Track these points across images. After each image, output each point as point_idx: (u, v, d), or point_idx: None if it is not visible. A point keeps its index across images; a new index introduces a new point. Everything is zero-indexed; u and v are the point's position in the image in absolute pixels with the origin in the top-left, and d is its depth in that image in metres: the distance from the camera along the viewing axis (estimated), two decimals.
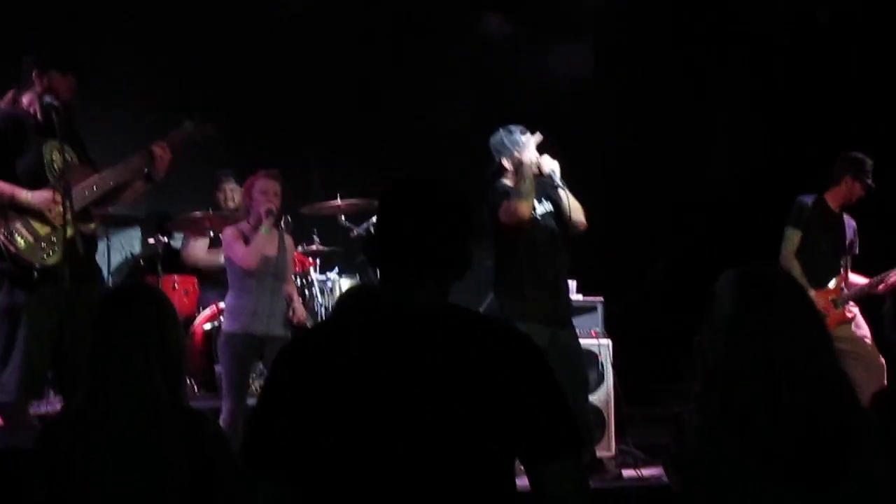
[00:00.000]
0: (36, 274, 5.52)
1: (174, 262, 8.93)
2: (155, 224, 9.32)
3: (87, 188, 5.70)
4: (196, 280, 8.68)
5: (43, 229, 5.55)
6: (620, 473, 7.11)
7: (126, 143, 7.71)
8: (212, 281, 8.59)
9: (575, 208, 6.81)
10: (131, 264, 9.41)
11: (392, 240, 2.76)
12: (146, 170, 5.94)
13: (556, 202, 6.85)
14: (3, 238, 5.52)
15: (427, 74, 10.01)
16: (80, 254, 5.57)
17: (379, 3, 10.06)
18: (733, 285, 3.02)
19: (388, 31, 10.11)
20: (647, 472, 7.29)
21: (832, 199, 8.13)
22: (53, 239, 5.55)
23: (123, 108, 9.04)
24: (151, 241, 8.90)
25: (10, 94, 5.90)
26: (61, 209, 5.43)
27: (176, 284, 8.51)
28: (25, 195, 5.56)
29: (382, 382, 2.61)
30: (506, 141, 6.89)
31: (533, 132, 6.86)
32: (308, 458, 2.61)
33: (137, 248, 9.54)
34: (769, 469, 2.80)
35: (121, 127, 8.74)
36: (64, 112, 5.76)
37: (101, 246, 8.62)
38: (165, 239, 8.91)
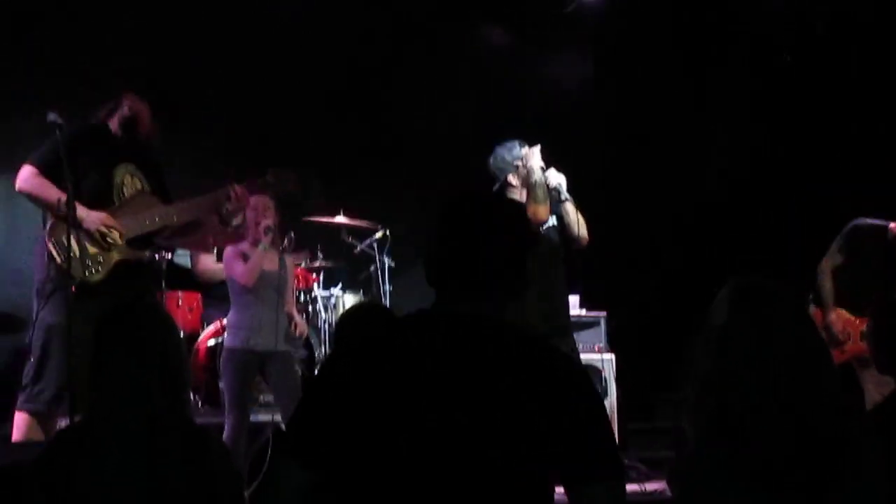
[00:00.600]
0: (74, 288, 5.51)
1: (178, 278, 8.92)
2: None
3: (148, 218, 5.72)
4: (200, 296, 8.70)
5: (92, 248, 5.58)
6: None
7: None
8: (216, 297, 8.60)
9: (580, 223, 6.83)
10: None
11: (452, 257, 2.76)
12: (221, 211, 5.95)
13: (560, 216, 6.84)
14: (51, 246, 5.55)
15: (428, 85, 10.01)
16: (126, 277, 5.63)
17: (379, 15, 10.06)
18: (728, 296, 3.04)
19: (388, 42, 10.11)
20: (650, 486, 7.30)
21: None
22: (101, 259, 5.58)
23: None
24: (155, 256, 8.91)
25: (105, 111, 5.93)
26: (111, 233, 5.55)
27: (180, 301, 8.52)
28: (80, 212, 5.57)
29: (422, 390, 2.62)
30: (507, 157, 6.87)
31: (531, 145, 6.86)
32: (344, 451, 2.62)
33: None
34: (763, 477, 2.81)
35: None
36: (143, 139, 5.80)
37: None
38: (169, 255, 8.92)
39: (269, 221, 6.92)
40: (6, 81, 8.36)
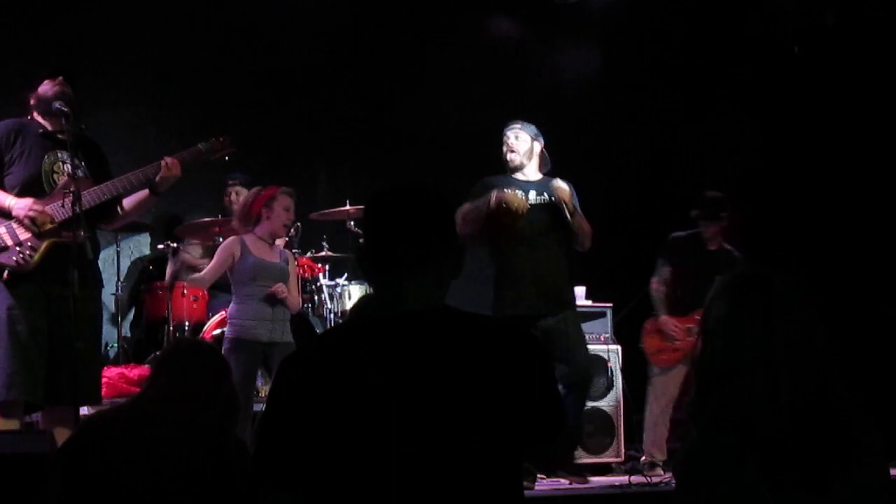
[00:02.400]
0: (6, 275, 5.53)
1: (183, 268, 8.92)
2: (164, 230, 9.35)
3: (78, 199, 5.67)
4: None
5: (24, 234, 5.57)
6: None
7: (129, 148, 7.78)
8: (222, 287, 8.58)
9: (585, 233, 7.10)
10: (140, 270, 9.40)
11: (383, 247, 2.80)
12: (156, 181, 5.90)
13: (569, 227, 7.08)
14: None
15: (435, 76, 10.00)
16: (63, 261, 5.56)
17: (387, 7, 10.05)
18: (728, 289, 3.02)
19: (396, 33, 10.10)
20: (655, 477, 7.30)
21: (708, 233, 8.30)
22: (30, 244, 5.57)
23: (127, 114, 9.10)
24: (161, 246, 8.91)
25: (28, 104, 5.92)
26: (40, 218, 5.54)
27: (185, 291, 8.50)
28: (8, 202, 5.59)
29: (384, 387, 2.63)
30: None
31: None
32: (318, 465, 2.63)
33: (147, 254, 9.52)
34: (767, 471, 2.80)
35: (124, 132, 8.77)
36: (71, 124, 5.77)
37: (111, 252, 8.73)
38: (175, 245, 8.91)
39: (290, 221, 7.30)
40: None
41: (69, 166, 5.72)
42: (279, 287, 7.04)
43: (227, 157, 6.35)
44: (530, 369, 2.74)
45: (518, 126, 7.33)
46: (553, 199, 7.02)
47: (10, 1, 8.63)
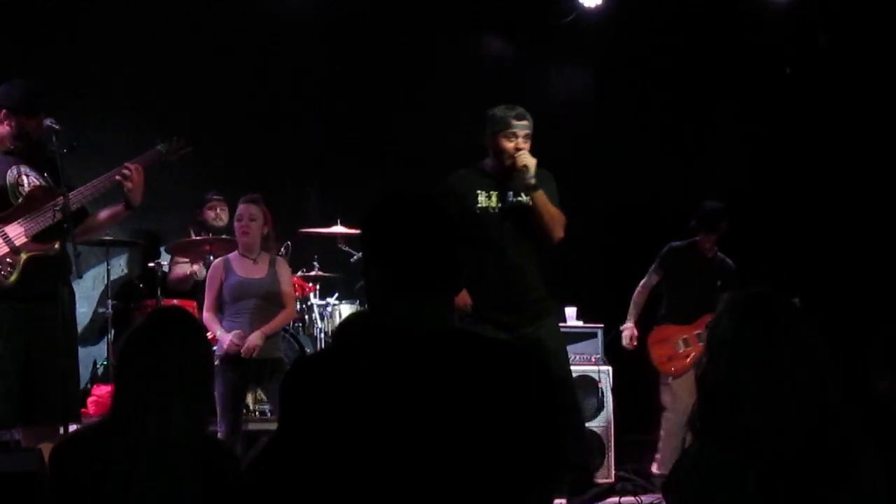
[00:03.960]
0: None
1: (167, 287, 8.91)
2: (156, 248, 9.34)
3: (48, 210, 5.61)
4: (195, 304, 8.66)
5: (0, 250, 5.53)
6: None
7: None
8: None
9: (553, 218, 6.41)
10: (130, 287, 9.37)
11: (385, 258, 2.73)
12: (124, 193, 5.83)
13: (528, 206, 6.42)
14: None
15: (427, 96, 10.01)
16: (40, 275, 5.56)
17: (379, 26, 10.05)
18: (733, 308, 3.02)
19: (388, 52, 10.09)
20: (646, 498, 7.28)
21: (701, 244, 8.38)
22: (9, 260, 5.53)
23: (118, 130, 8.97)
24: (151, 264, 8.90)
25: None
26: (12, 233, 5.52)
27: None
28: None
29: (393, 410, 2.59)
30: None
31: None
32: (324, 487, 2.60)
33: (137, 272, 9.50)
34: (767, 488, 2.79)
35: (112, 151, 8.76)
36: (33, 144, 5.75)
37: (101, 269, 8.71)
38: (165, 264, 8.91)
39: (248, 231, 7.11)
40: None
41: (33, 178, 5.71)
42: (248, 345, 6.93)
43: (182, 158, 6.20)
44: (535, 398, 2.69)
45: (527, 121, 6.44)
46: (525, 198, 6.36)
47: None
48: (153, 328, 3.70)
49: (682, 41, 10.12)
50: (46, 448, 4.99)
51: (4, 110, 5.75)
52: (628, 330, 8.34)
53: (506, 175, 6.40)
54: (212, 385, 3.80)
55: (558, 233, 6.40)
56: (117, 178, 5.76)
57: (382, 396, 2.60)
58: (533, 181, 6.27)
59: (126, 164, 5.82)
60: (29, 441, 5.59)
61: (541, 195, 6.30)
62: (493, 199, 6.39)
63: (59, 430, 5.50)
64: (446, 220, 2.77)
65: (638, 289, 8.40)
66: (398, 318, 2.73)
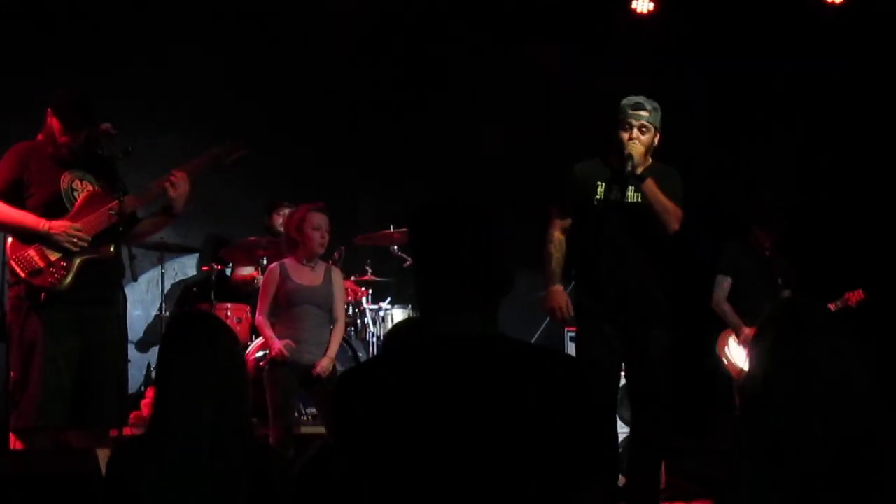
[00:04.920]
0: (43, 297, 5.55)
1: (228, 290, 8.97)
2: (211, 252, 9.41)
3: (104, 214, 5.68)
4: (249, 308, 8.72)
5: (54, 255, 5.60)
6: None
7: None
8: None
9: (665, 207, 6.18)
10: (184, 292, 9.45)
11: (435, 265, 2.73)
12: (167, 200, 5.86)
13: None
14: (14, 263, 5.58)
15: (479, 98, 10.01)
16: (94, 278, 5.64)
17: (422, 35, 10.06)
18: (774, 318, 3.02)
19: (432, 59, 10.11)
20: None
21: (756, 241, 8.34)
22: (63, 263, 5.59)
23: (174, 135, 9.04)
24: (205, 268, 8.97)
25: (45, 126, 5.92)
26: (79, 234, 5.57)
27: (229, 312, 8.54)
28: (44, 224, 5.59)
29: (440, 418, 2.59)
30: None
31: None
32: (375, 496, 2.61)
33: (191, 276, 9.58)
34: (804, 497, 2.79)
35: (168, 156, 8.83)
36: (84, 143, 5.80)
37: (155, 273, 8.80)
38: (219, 267, 8.98)
39: (324, 240, 7.09)
40: None
41: (88, 183, 5.78)
42: (324, 367, 6.98)
43: (237, 160, 6.17)
44: (584, 401, 2.67)
45: (645, 111, 6.18)
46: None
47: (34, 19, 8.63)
48: (177, 334, 3.74)
49: (737, 37, 9.98)
50: (100, 452, 5.08)
51: (50, 109, 5.81)
52: (745, 332, 7.97)
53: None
54: (246, 387, 3.79)
55: (672, 225, 6.17)
56: (164, 184, 5.81)
57: (429, 405, 2.60)
58: (637, 171, 6.09)
59: (173, 171, 5.86)
60: (79, 442, 5.66)
61: (649, 185, 6.11)
62: (613, 191, 6.21)
63: (108, 433, 5.58)
64: (493, 228, 2.76)
65: (717, 302, 8.22)
66: (445, 326, 2.73)
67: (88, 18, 8.77)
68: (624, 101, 6.21)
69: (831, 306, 8.18)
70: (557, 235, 6.32)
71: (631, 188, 6.17)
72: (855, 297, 8.37)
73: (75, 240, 5.60)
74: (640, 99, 6.21)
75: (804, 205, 9.46)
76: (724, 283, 8.24)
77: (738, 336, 8.10)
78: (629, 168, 6.08)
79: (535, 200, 6.65)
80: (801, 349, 2.91)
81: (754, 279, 8.17)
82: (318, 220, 7.13)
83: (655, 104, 6.23)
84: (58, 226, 5.61)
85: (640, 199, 6.16)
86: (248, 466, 3.55)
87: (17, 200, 5.68)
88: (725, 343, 8.21)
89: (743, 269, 8.24)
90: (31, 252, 5.58)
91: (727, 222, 8.86)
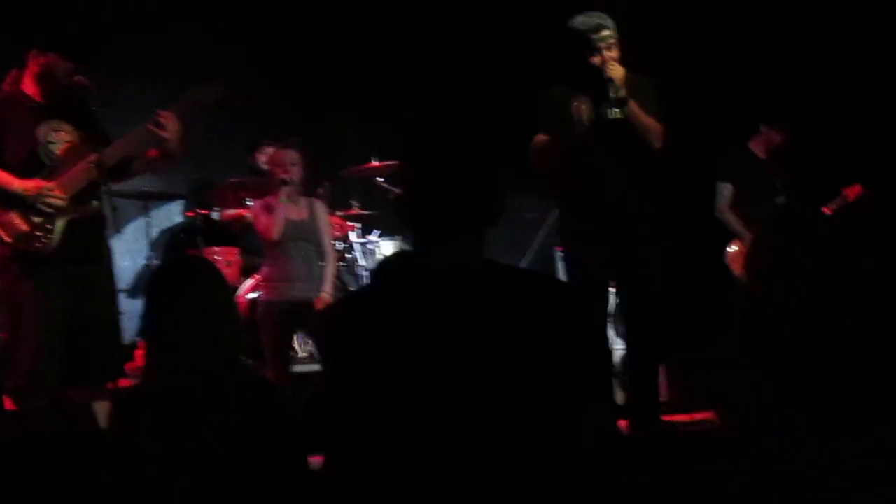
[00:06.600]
0: (31, 261, 5.46)
1: (215, 233, 8.92)
2: (195, 197, 9.37)
3: (84, 169, 5.57)
4: (238, 251, 8.69)
5: (38, 217, 5.51)
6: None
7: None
8: (255, 251, 8.58)
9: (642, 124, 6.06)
10: (171, 238, 9.42)
11: (421, 196, 2.72)
12: (159, 142, 5.70)
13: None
14: None
15: (466, 33, 9.88)
16: (80, 236, 5.56)
17: None
18: (774, 226, 2.97)
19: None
20: (699, 416, 7.26)
21: (757, 147, 8.36)
22: (48, 225, 5.50)
23: (153, 82, 8.89)
24: (190, 213, 8.92)
25: (11, 75, 5.81)
26: (52, 196, 5.47)
27: (217, 256, 8.50)
28: (17, 185, 5.48)
29: (428, 349, 2.58)
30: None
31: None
32: (371, 430, 2.60)
33: (177, 223, 9.53)
34: (823, 408, 2.75)
35: (149, 104, 8.71)
36: (64, 89, 5.68)
37: (141, 222, 8.75)
38: (205, 211, 8.93)
39: (286, 174, 6.89)
40: None
41: (65, 133, 5.67)
42: (320, 304, 6.87)
43: (219, 101, 6.01)
44: (576, 327, 2.65)
45: (608, 29, 6.01)
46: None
47: None
48: (162, 282, 3.72)
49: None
50: (99, 406, 5.06)
51: (35, 50, 5.67)
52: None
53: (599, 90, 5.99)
54: (238, 328, 3.78)
55: (655, 143, 6.08)
56: (150, 127, 5.64)
57: (415, 337, 2.59)
58: (621, 93, 5.94)
59: (159, 111, 5.68)
60: (81, 400, 5.63)
61: (632, 107, 5.98)
62: (589, 114, 6.05)
63: (107, 387, 5.55)
64: (482, 156, 2.74)
65: (723, 210, 8.21)
66: (433, 257, 2.72)
67: None
68: (580, 25, 6.03)
69: (831, 206, 8.20)
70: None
71: (606, 108, 6.05)
72: (853, 192, 8.34)
73: (49, 200, 5.49)
74: (597, 18, 6.04)
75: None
76: (725, 190, 8.23)
77: (744, 244, 8.01)
78: (613, 94, 5.93)
79: (524, 126, 6.56)
80: (808, 254, 2.86)
81: (756, 185, 8.15)
82: (278, 155, 7.06)
83: (606, 15, 6.06)
84: (31, 186, 5.50)
85: (620, 115, 6.01)
86: (251, 406, 3.53)
87: None
88: (738, 252, 8.18)
89: (744, 175, 8.23)
90: (13, 216, 5.48)
91: (726, 127, 8.74)
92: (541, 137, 6.13)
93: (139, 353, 7.78)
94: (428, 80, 9.89)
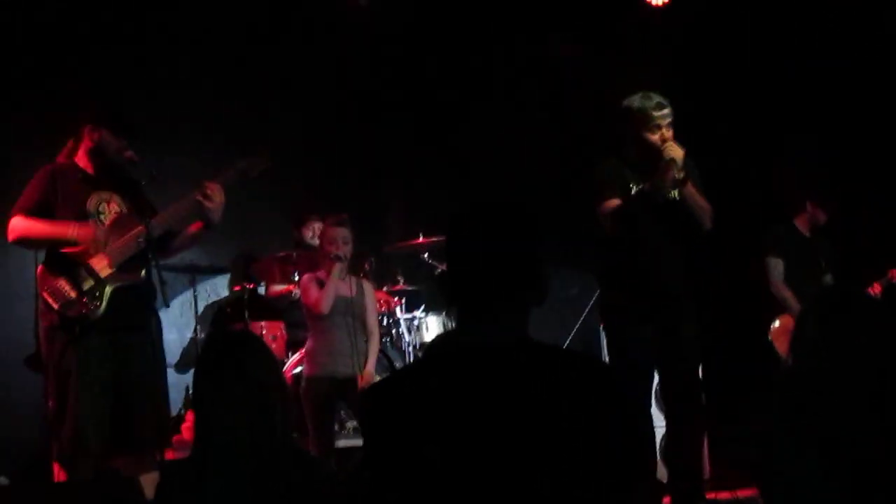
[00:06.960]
0: (77, 328, 5.55)
1: (260, 308, 8.97)
2: (241, 270, 9.42)
3: (131, 239, 5.68)
4: (283, 325, 8.74)
5: (87, 283, 5.59)
6: None
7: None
8: (300, 326, 8.60)
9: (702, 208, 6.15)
10: (217, 312, 9.46)
11: (465, 271, 2.72)
12: (204, 213, 5.79)
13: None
14: (47, 295, 5.59)
15: (504, 101, 9.99)
16: (127, 304, 5.64)
17: (452, 42, 10.03)
18: (818, 306, 3.00)
19: (462, 62, 10.07)
20: (743, 493, 7.21)
21: (801, 224, 8.33)
22: (97, 293, 5.59)
23: (197, 153, 8.95)
24: (237, 287, 8.99)
25: (66, 147, 5.93)
26: (102, 248, 5.59)
27: (263, 330, 8.56)
28: (72, 230, 5.60)
29: (467, 429, 2.57)
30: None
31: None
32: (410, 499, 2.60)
33: (224, 296, 9.59)
34: (858, 485, 2.77)
35: (192, 174, 8.80)
36: (115, 162, 5.81)
37: (188, 295, 8.81)
38: (251, 285, 8.99)
39: (339, 251, 6.93)
40: None
41: (115, 205, 5.78)
42: (364, 381, 6.86)
43: (263, 173, 6.02)
44: (614, 407, 2.63)
45: (668, 108, 6.08)
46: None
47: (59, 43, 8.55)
48: (211, 357, 3.75)
49: (753, 29, 9.91)
50: (146, 478, 5.10)
51: (90, 125, 5.83)
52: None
53: (653, 169, 6.00)
54: (286, 405, 3.79)
55: (707, 224, 6.15)
56: (198, 197, 5.72)
57: (457, 415, 2.58)
58: (682, 175, 5.99)
59: (205, 182, 5.77)
60: (128, 470, 5.66)
61: (689, 188, 6.05)
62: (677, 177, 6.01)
63: (154, 458, 5.59)
64: (527, 232, 2.74)
65: (779, 286, 8.11)
66: (477, 335, 2.70)
67: (94, 41, 8.68)
68: (641, 101, 6.08)
69: (877, 285, 8.16)
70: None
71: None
72: None
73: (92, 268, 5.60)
74: (658, 97, 6.09)
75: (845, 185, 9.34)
76: (779, 266, 8.13)
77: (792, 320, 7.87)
78: (675, 174, 5.94)
79: (565, 200, 6.59)
80: (844, 337, 2.88)
81: (799, 262, 8.10)
82: (331, 233, 7.05)
83: (662, 96, 6.12)
84: (85, 231, 5.61)
85: (675, 197, 6.07)
86: (296, 481, 3.55)
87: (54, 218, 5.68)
88: (783, 327, 8.09)
89: (789, 251, 8.16)
90: (62, 282, 5.58)
91: (766, 205, 8.77)
92: (614, 202, 6.06)
93: (185, 427, 7.84)
94: (475, 156, 9.93)
